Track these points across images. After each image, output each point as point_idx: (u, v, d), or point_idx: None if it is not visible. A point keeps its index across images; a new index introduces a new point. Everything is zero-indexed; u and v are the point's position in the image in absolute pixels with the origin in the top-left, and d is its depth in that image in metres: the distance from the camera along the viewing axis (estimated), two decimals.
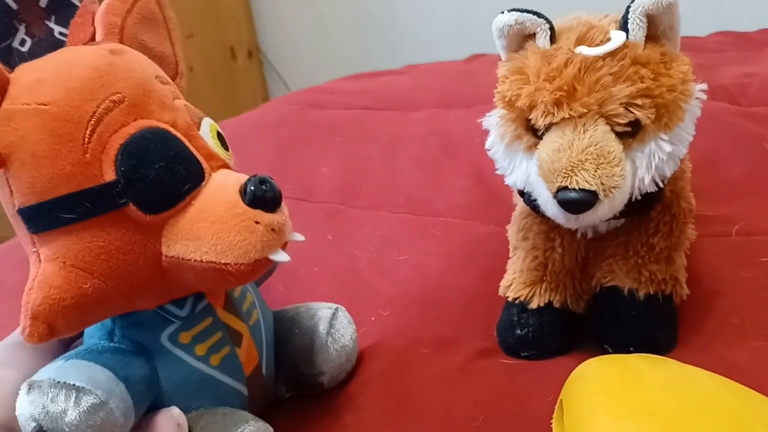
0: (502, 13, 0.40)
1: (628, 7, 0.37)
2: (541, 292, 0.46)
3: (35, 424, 0.31)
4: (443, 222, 0.64)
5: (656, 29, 0.38)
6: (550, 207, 0.38)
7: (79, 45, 0.35)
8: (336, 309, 0.45)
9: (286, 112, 0.98)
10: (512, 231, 0.49)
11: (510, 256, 0.49)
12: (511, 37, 0.40)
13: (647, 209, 0.43)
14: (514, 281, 0.47)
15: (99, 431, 0.32)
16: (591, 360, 0.34)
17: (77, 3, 0.36)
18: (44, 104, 0.30)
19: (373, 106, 0.97)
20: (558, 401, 0.35)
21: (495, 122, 0.43)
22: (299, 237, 0.36)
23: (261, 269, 0.34)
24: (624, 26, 0.37)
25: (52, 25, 0.34)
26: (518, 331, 0.46)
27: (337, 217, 0.68)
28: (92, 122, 0.31)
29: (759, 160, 0.63)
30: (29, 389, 0.31)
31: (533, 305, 0.46)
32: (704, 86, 0.41)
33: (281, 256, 0.35)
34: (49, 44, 0.34)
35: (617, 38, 0.37)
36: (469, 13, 1.65)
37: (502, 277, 0.49)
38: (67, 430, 0.31)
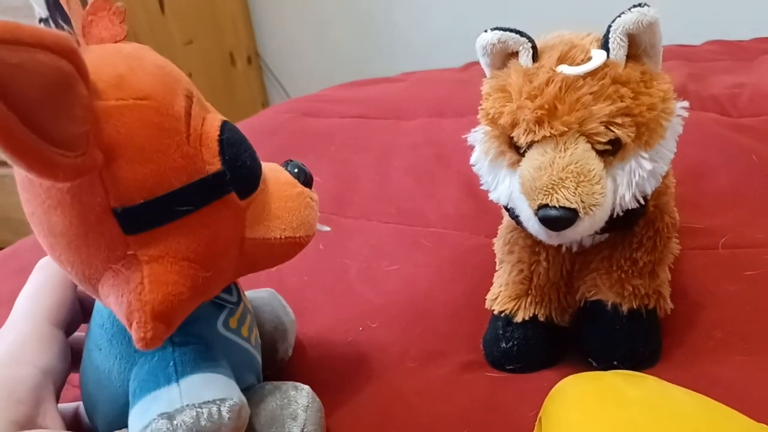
0: (486, 31, 0.40)
1: (609, 26, 0.38)
2: (526, 305, 0.46)
3: None
4: (433, 232, 0.65)
5: (637, 48, 0.38)
6: (531, 224, 0.39)
7: (107, 43, 0.33)
8: (274, 291, 0.50)
9: (282, 121, 0.98)
10: (498, 244, 0.50)
11: (496, 269, 0.50)
12: (495, 55, 0.41)
13: (630, 224, 0.44)
14: (500, 294, 0.48)
15: (240, 430, 0.34)
16: (569, 377, 0.35)
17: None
18: (143, 99, 0.29)
19: (367, 114, 0.97)
20: (537, 418, 0.35)
21: (479, 138, 0.43)
22: (325, 228, 0.42)
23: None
24: (605, 45, 0.38)
25: (61, 23, 0.33)
26: (503, 345, 0.46)
27: (329, 227, 0.69)
28: (186, 116, 0.31)
29: (747, 171, 0.63)
30: (169, 420, 0.31)
31: (518, 319, 0.46)
32: (686, 104, 0.41)
33: (325, 228, 0.42)
34: None
35: (598, 57, 0.37)
36: (467, 20, 1.65)
37: (489, 289, 0.49)
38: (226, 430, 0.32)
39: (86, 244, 0.30)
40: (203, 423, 0.32)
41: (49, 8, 0.31)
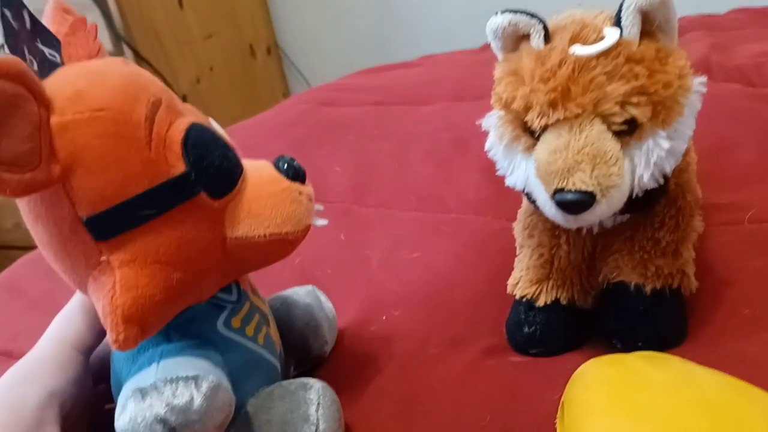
0: (496, 14, 0.40)
1: (622, 4, 0.37)
2: (548, 289, 0.46)
3: (162, 424, 0.31)
4: (454, 218, 0.64)
5: (651, 24, 0.37)
6: (548, 208, 0.38)
7: (84, 60, 0.35)
8: (314, 288, 0.50)
9: (300, 111, 0.98)
10: (518, 229, 0.49)
11: (517, 253, 0.49)
12: (506, 38, 0.40)
13: (652, 204, 0.43)
14: (521, 279, 0.47)
15: (221, 413, 0.33)
16: (591, 360, 0.35)
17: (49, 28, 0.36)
18: (100, 110, 0.30)
19: (385, 101, 0.97)
20: (560, 402, 0.35)
21: (493, 123, 0.43)
22: (322, 221, 0.40)
23: (306, 234, 0.39)
24: (618, 23, 0.37)
25: (41, 47, 0.34)
26: (526, 329, 0.46)
27: (350, 217, 0.69)
28: (147, 123, 0.32)
29: None
30: (142, 396, 0.32)
31: (540, 303, 0.46)
32: (704, 79, 0.40)
33: (321, 221, 0.40)
34: (50, 64, 0.34)
35: (610, 36, 0.36)
36: (484, 1, 1.63)
37: (511, 273, 0.49)
38: (196, 418, 0.32)
39: (67, 254, 0.32)
40: (174, 398, 0.32)
41: (13, 33, 0.32)
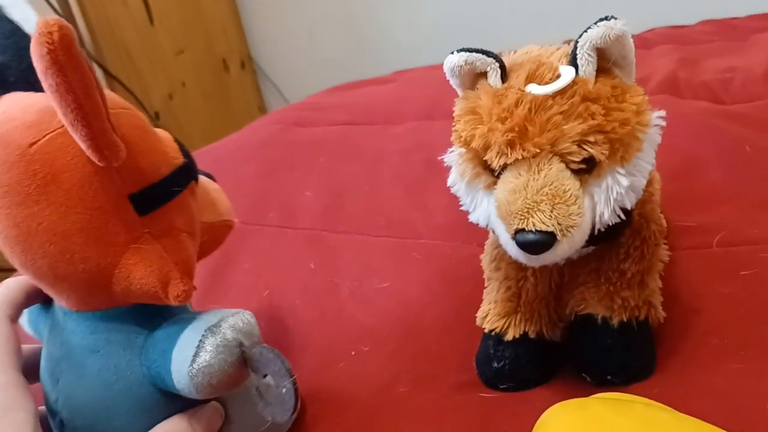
0: (452, 53, 0.39)
1: (576, 42, 0.36)
2: (516, 323, 0.45)
3: (239, 346, 0.37)
4: (424, 244, 0.64)
5: (607, 61, 0.37)
6: (510, 247, 0.38)
7: None
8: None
9: (271, 132, 0.97)
10: (485, 261, 0.49)
11: (485, 285, 0.49)
12: (463, 76, 0.40)
13: (616, 236, 0.43)
14: (489, 312, 0.47)
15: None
16: (555, 407, 0.34)
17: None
18: (126, 108, 0.36)
19: (356, 120, 0.96)
20: None
21: (455, 160, 0.42)
22: None
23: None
24: (573, 61, 0.37)
25: None
26: (495, 364, 0.45)
27: (320, 244, 0.68)
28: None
29: (740, 163, 0.61)
30: (215, 331, 0.37)
31: (509, 337, 0.45)
32: (663, 113, 0.40)
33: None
34: None
35: (566, 75, 0.36)
36: (458, 14, 1.63)
37: (481, 302, 0.49)
38: (257, 338, 0.39)
39: (106, 232, 0.35)
40: (241, 325, 0.38)
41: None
